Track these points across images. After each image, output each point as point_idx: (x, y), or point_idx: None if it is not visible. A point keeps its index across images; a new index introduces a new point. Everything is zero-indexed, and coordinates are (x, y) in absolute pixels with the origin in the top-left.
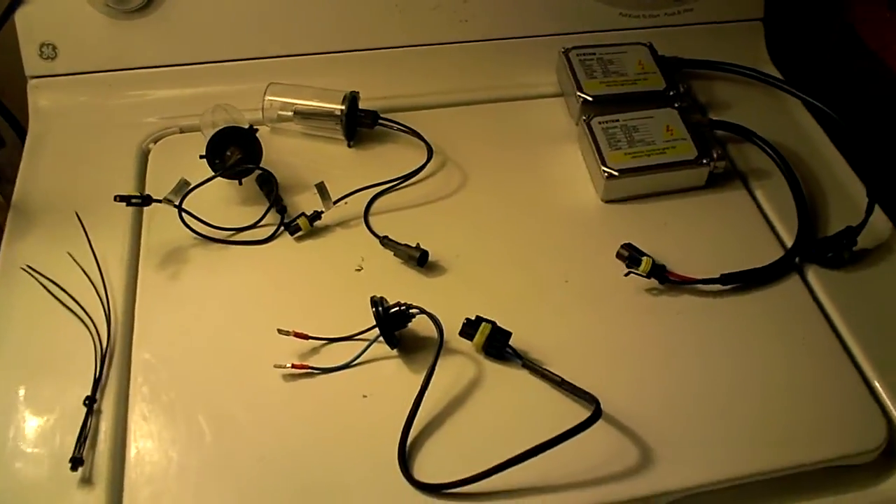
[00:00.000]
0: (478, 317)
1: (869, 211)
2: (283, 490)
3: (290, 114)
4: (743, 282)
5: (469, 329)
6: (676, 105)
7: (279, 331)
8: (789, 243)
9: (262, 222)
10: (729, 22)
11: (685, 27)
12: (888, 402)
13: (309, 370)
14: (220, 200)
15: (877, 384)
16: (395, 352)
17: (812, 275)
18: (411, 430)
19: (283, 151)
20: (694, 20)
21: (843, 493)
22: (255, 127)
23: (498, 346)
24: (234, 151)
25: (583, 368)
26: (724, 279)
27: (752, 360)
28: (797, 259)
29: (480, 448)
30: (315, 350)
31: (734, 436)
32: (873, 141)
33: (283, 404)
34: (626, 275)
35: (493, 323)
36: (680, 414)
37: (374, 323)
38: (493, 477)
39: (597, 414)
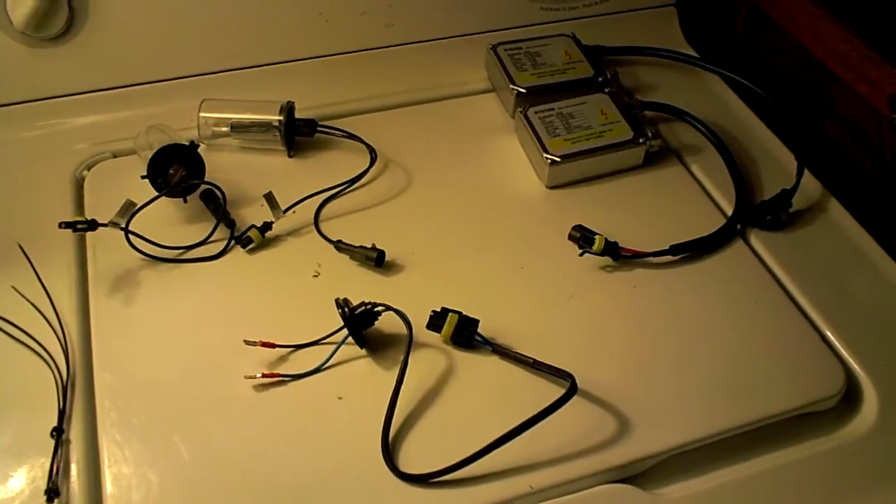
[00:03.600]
0: (444, 308)
1: (800, 174)
2: (271, 500)
3: (226, 129)
4: (691, 250)
5: (436, 321)
6: (607, 90)
7: (245, 342)
8: (729, 211)
9: (212, 238)
10: (644, 9)
11: (603, 17)
12: (841, 349)
13: (280, 378)
14: (165, 221)
15: (828, 333)
16: (364, 351)
17: (755, 238)
18: (392, 425)
19: (222, 168)
20: (611, 10)
21: (811, 439)
22: (195, 143)
23: (467, 334)
24: (178, 169)
25: (551, 348)
26: (674, 250)
27: (710, 322)
28: (739, 225)
29: (462, 435)
30: (283, 358)
31: (703, 396)
32: (792, 109)
33: (258, 415)
34: (581, 254)
35: (460, 313)
36: (649, 381)
37: (341, 325)
38: (479, 461)
39: (573, 388)
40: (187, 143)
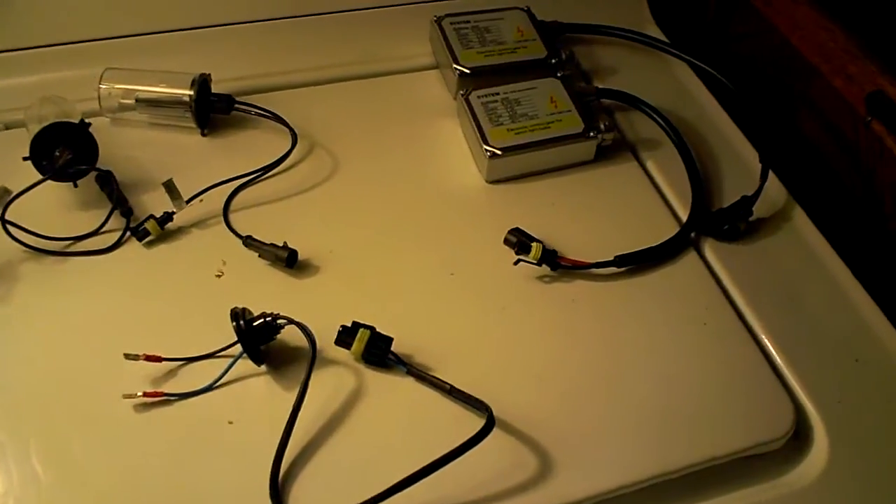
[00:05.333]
0: (354, 322)
1: (763, 177)
2: None
3: (131, 102)
4: (638, 262)
5: (345, 337)
6: (560, 74)
7: (126, 356)
8: (684, 216)
9: (105, 228)
10: None
11: None
12: (792, 381)
13: (164, 397)
14: (54, 206)
15: (780, 362)
16: (262, 368)
17: (709, 249)
18: (284, 457)
19: (126, 145)
20: None
21: (752, 485)
22: (87, 121)
23: (378, 353)
24: (64, 151)
25: (474, 370)
26: (619, 261)
27: (653, 347)
28: (693, 234)
29: (364, 471)
30: (171, 373)
31: (636, 433)
32: (762, 104)
33: (135, 439)
34: (516, 263)
35: (372, 328)
36: (580, 413)
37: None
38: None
39: (490, 424)
40: (77, 122)
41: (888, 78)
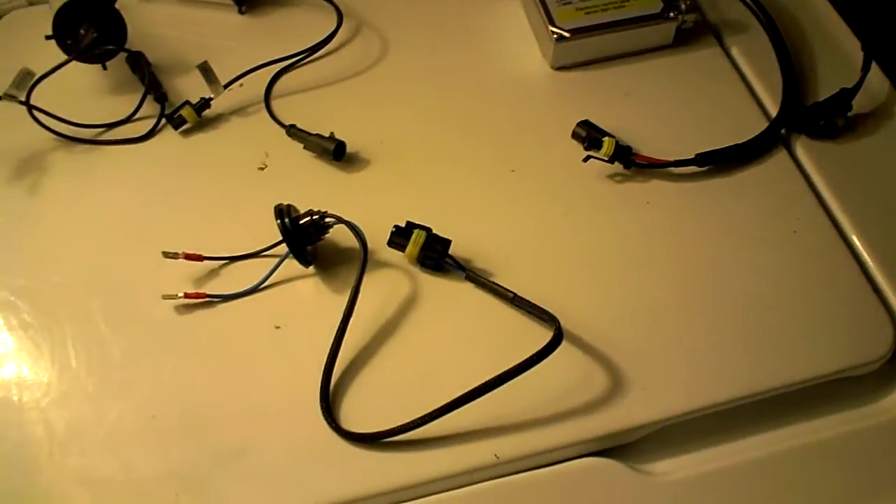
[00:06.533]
0: (409, 223)
1: (865, 68)
2: (181, 450)
3: None
4: (722, 161)
5: (399, 238)
6: None
7: (164, 254)
8: (773, 111)
9: (138, 115)
10: None
11: None
12: (893, 301)
13: (206, 299)
14: (84, 91)
15: (879, 278)
16: (310, 270)
17: (801, 148)
18: (335, 368)
19: (158, 24)
20: None
21: (841, 411)
22: None
23: (435, 256)
24: (89, 29)
25: (537, 278)
26: (701, 159)
27: (736, 256)
28: (783, 130)
29: (420, 385)
30: (213, 273)
31: (716, 352)
32: None
33: (175, 344)
34: (585, 159)
35: (428, 229)
36: (654, 329)
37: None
38: (436, 421)
39: (558, 337)
40: None
41: None
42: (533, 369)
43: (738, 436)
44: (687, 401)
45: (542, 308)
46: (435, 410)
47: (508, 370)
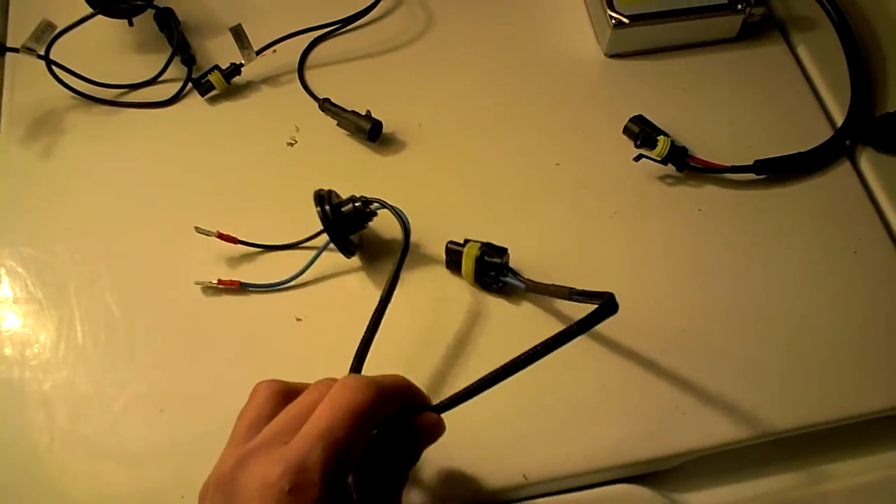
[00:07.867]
0: (466, 240)
1: None
2: (196, 443)
3: None
4: (781, 170)
5: (453, 256)
6: None
7: (197, 229)
8: (839, 119)
9: (164, 77)
10: None
11: None
12: None
13: (240, 287)
14: (107, 47)
15: None
16: (353, 261)
17: (867, 161)
18: (363, 367)
19: None
20: None
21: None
22: None
23: (493, 274)
24: None
25: (577, 280)
26: (759, 167)
27: (790, 275)
28: (849, 141)
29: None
30: (242, 256)
31: (765, 378)
32: None
33: (193, 330)
34: (637, 158)
35: (484, 250)
36: (700, 347)
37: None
38: (464, 434)
39: (612, 305)
40: None
41: None
42: (560, 381)
43: (778, 470)
44: (730, 430)
45: (599, 292)
46: (473, 386)
47: (558, 334)
